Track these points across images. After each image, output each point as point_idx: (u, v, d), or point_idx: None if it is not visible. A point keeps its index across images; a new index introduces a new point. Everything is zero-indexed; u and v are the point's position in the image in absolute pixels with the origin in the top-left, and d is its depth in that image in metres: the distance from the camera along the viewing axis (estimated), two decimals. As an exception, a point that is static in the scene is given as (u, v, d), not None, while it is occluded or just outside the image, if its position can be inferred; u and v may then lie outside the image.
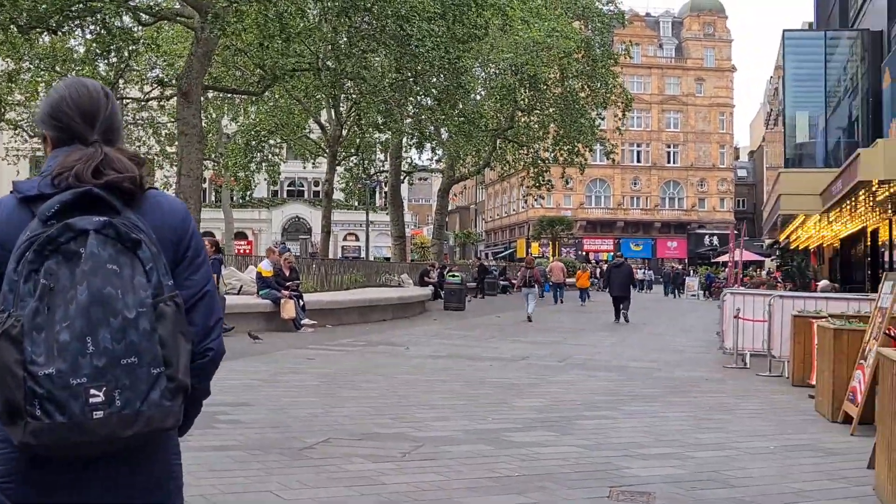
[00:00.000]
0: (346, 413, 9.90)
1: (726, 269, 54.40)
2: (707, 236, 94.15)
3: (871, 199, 29.34)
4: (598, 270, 65.11)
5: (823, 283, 21.48)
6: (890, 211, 31.75)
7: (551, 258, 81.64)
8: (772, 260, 70.14)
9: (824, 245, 54.11)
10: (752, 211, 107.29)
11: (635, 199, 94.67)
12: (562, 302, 40.62)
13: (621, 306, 28.65)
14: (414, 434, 8.78)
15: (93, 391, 2.10)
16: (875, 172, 25.68)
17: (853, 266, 46.63)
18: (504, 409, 10.57)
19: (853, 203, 32.02)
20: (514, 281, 54.86)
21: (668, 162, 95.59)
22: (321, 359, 15.11)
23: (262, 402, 10.34)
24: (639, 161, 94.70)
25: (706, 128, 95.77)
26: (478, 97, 41.79)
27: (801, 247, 59.05)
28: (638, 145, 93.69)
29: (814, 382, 13.40)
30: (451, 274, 33.59)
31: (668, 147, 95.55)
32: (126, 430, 2.14)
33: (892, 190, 26.83)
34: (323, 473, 7.00)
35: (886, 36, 34.52)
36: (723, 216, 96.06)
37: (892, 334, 9.78)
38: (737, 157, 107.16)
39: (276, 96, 40.58)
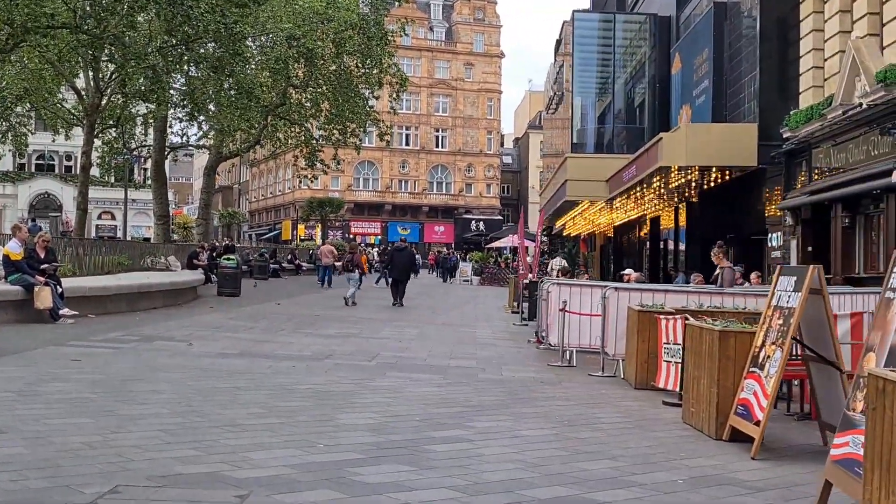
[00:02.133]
0: (134, 440, 7.57)
1: (516, 256, 53.65)
2: (474, 221, 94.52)
3: (664, 186, 28.81)
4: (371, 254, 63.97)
5: (636, 274, 20.33)
6: (677, 199, 31.46)
7: (317, 240, 79.68)
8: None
9: (597, 233, 54.48)
10: (517, 198, 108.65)
11: (404, 182, 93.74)
12: (330, 286, 39.19)
13: (399, 289, 29.22)
14: (233, 475, 6.59)
15: None
16: (676, 158, 25.02)
17: (625, 253, 46.90)
18: (331, 430, 8.50)
19: (641, 190, 31.53)
20: (285, 265, 52.68)
21: (437, 146, 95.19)
22: (88, 360, 12.50)
23: (16, 428, 7.85)
24: (408, 144, 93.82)
25: (474, 113, 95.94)
26: (252, 69, 39.02)
27: (572, 234, 59.45)
28: (407, 128, 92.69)
29: (660, 385, 12.06)
30: (225, 257, 30.91)
31: (437, 131, 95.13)
32: None
33: (690, 177, 26.25)
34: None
35: (675, 21, 34.30)
36: (489, 202, 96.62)
37: (804, 342, 8.34)
38: (502, 144, 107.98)
39: (26, 57, 36.57)
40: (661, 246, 36.00)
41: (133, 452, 7.13)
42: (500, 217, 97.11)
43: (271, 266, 47.21)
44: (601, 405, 10.98)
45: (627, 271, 22.57)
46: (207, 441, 7.71)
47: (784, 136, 23.99)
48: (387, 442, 8.06)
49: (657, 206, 33.31)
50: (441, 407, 10.16)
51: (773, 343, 8.52)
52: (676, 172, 25.58)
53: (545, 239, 65.42)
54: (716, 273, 17.81)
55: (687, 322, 10.28)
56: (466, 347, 17.15)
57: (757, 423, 8.36)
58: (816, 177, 22.09)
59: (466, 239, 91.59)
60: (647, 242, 38.82)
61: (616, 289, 14.12)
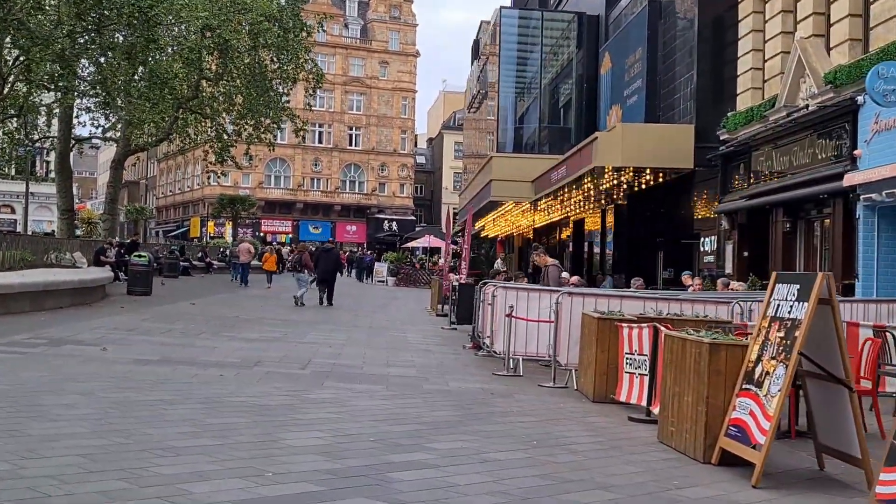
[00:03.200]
0: (49, 469, 6.41)
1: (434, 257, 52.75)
2: (387, 221, 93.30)
3: (594, 187, 28.13)
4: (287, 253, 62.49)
5: (575, 278, 19.49)
6: (604, 201, 30.84)
7: (227, 238, 77.72)
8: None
9: (515, 234, 53.84)
10: (430, 198, 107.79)
11: (316, 180, 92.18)
12: (246, 284, 38.83)
13: (326, 289, 28.84)
14: (173, 515, 5.50)
15: None
16: (611, 158, 24.31)
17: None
18: (277, 454, 7.42)
19: (569, 192, 30.83)
20: (195, 263, 51.00)
21: (351, 144, 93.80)
22: (-10, 366, 11.20)
23: None
24: (321, 142, 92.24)
25: (389, 112, 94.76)
26: (167, 57, 37.34)
27: (490, 235, 58.75)
28: (320, 126, 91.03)
29: (621, 399, 11.21)
30: (136, 254, 29.36)
31: (351, 129, 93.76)
32: None
33: (624, 178, 25.57)
34: None
35: (604, 20, 33.71)
36: (402, 202, 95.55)
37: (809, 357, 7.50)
38: (416, 144, 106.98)
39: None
40: (586, 249, 35.41)
41: (49, 485, 5.98)
42: (413, 217, 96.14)
43: (181, 264, 45.51)
44: (564, 421, 10.06)
45: (563, 275, 21.65)
46: (136, 469, 6.58)
47: (721, 138, 23.48)
48: (343, 469, 7.01)
49: (583, 209, 32.67)
50: (393, 424, 9.13)
51: (774, 358, 7.68)
52: (610, 173, 24.88)
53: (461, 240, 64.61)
54: (543, 272, 17.10)
55: (665, 332, 9.38)
56: (402, 354, 16.12)
57: (756, 447, 7.50)
58: (755, 180, 21.55)
59: (379, 239, 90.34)
60: (570, 245, 38.21)
61: (569, 294, 13.20)
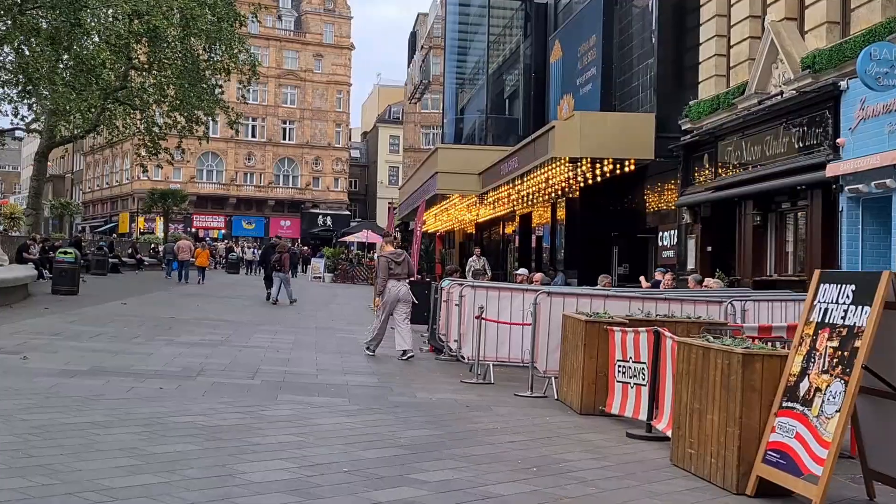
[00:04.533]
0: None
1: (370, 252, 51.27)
2: (321, 216, 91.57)
3: (547, 179, 26.98)
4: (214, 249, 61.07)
5: (539, 275, 18.26)
6: (555, 194, 29.68)
7: (158, 234, 75.46)
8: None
9: (456, 229, 52.58)
10: (365, 193, 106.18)
11: (249, 175, 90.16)
12: (187, 282, 38.35)
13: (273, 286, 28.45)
14: None
15: None
16: (569, 148, 23.18)
17: (486, 251, 45.06)
18: (238, 494, 6.10)
19: (519, 184, 29.63)
20: (125, 259, 49.03)
21: (284, 138, 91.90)
22: None
23: None
24: (254, 136, 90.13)
25: (323, 105, 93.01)
26: (93, 43, 35.40)
27: (429, 230, 57.39)
28: (254, 119, 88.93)
29: (612, 411, 10.06)
30: (62, 251, 27.59)
31: (285, 123, 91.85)
32: None
33: (581, 169, 24.44)
34: None
35: (553, 9, 32.60)
36: (337, 196, 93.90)
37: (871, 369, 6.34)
38: (350, 138, 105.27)
39: None
40: (534, 244, 34.29)
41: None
42: (349, 212, 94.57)
43: (110, 261, 43.56)
44: (557, 440, 8.84)
45: (521, 271, 20.49)
46: (63, 522, 5.23)
47: (683, 127, 22.48)
48: (320, 512, 5.72)
49: (532, 202, 31.53)
50: (367, 448, 7.84)
51: (826, 372, 6.52)
52: (567, 164, 23.74)
53: (398, 236, 63.27)
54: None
55: (678, 340, 8.19)
56: (357, 358, 14.80)
57: (808, 478, 6.34)
58: (722, 172, 20.55)
59: (314, 234, 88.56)
60: (516, 239, 37.06)
61: (548, 294, 11.96)
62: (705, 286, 16.83)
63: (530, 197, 30.33)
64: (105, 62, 32.86)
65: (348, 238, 72.72)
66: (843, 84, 15.61)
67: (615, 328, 10.20)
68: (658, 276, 19.72)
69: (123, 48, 36.90)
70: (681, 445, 7.85)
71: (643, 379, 9.49)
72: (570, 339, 10.97)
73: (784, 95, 17.72)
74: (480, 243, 48.90)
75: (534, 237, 34.38)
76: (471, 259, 28.15)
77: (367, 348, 15.33)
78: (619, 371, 10.08)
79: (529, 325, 11.79)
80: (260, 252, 35.83)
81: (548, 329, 11.66)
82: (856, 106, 15.25)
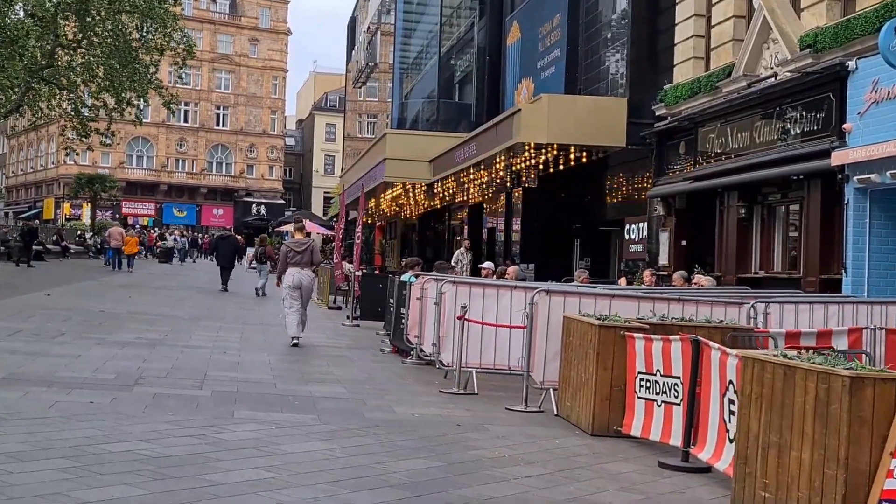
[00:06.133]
0: None
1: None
2: (255, 205, 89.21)
3: (506, 168, 25.42)
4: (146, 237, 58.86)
5: (514, 268, 16.64)
6: (510, 183, 28.13)
7: (84, 220, 72.63)
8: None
9: (399, 220, 50.83)
10: (300, 181, 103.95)
11: (181, 161, 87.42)
12: (119, 268, 37.48)
13: (226, 275, 29.97)
14: None
15: None
16: (535, 134, 21.62)
17: (431, 242, 43.48)
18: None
19: (470, 172, 28.03)
20: (50, 246, 46.62)
21: (218, 124, 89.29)
22: None
23: None
24: (186, 121, 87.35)
25: (258, 91, 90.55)
26: (16, 14, 33.05)
27: (369, 220, 55.60)
28: (186, 104, 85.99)
29: (632, 433, 8.55)
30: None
31: (218, 109, 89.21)
32: None
33: (546, 156, 22.92)
34: None
35: (510, -12, 31.02)
36: (272, 185, 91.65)
37: None
38: (285, 126, 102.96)
39: None
40: (485, 235, 32.72)
41: None
42: (283, 201, 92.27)
43: (34, 248, 41.17)
44: (580, 472, 7.28)
45: (487, 264, 18.87)
46: None
47: (657, 113, 21.05)
48: None
49: (486, 191, 29.96)
50: (356, 489, 6.20)
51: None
52: (531, 151, 22.19)
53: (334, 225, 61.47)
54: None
55: (747, 354, 6.64)
56: (315, 362, 13.09)
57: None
58: (702, 160, 19.13)
59: (247, 223, 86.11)
60: (464, 230, 35.46)
61: (547, 292, 10.34)
62: (695, 284, 15.41)
63: (485, 186, 28.76)
64: (29, 33, 30.58)
65: (286, 227, 70.61)
66: (850, 64, 14.22)
67: (636, 335, 8.66)
68: (648, 276, 18.30)
69: (50, 23, 34.66)
70: (748, 486, 6.33)
71: (676, 396, 7.97)
72: (577, 346, 9.41)
73: (778, 77, 16.33)
74: (393, 235, 47.20)
75: (485, 228, 32.81)
76: (458, 252, 26.09)
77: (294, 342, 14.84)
78: (640, 385, 8.55)
79: (524, 327, 10.18)
80: (212, 243, 35.27)
81: (546, 333, 10.08)
82: (866, 88, 13.88)
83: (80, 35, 38.27)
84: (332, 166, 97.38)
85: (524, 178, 26.30)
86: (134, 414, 8.21)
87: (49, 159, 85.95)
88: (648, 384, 8.41)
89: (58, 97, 41.07)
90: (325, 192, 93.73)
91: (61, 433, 7.21)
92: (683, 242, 20.22)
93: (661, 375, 8.21)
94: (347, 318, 20.86)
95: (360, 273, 21.58)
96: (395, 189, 35.36)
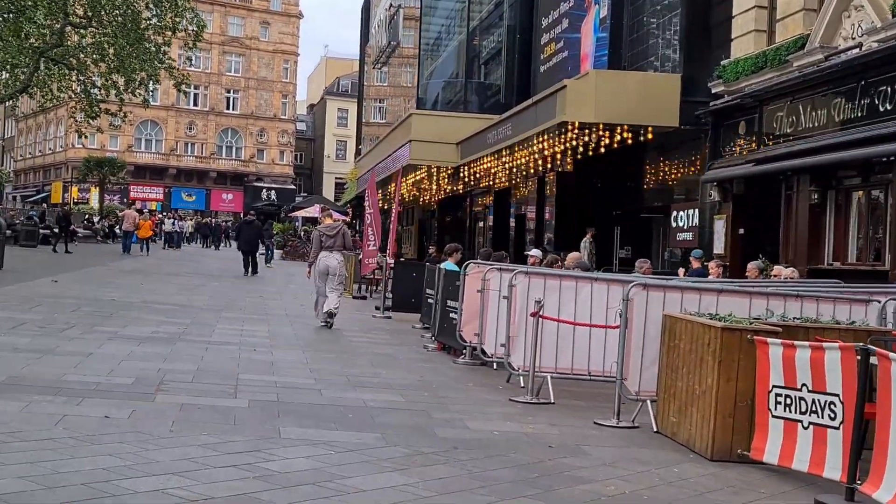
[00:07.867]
0: None
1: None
2: (265, 190, 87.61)
3: (545, 149, 23.80)
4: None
5: (576, 254, 15.02)
6: (543, 168, 26.54)
7: (92, 204, 71.15)
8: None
9: (416, 206, 49.20)
10: (311, 166, 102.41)
11: (190, 145, 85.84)
12: (129, 252, 37.05)
13: (248, 260, 29.65)
14: None
15: None
16: (582, 112, 20.02)
17: (449, 230, 41.80)
18: None
19: (503, 156, 26.42)
20: (55, 230, 45.15)
21: (228, 108, 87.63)
22: None
23: None
24: (196, 105, 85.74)
25: (269, 75, 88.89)
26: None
27: (385, 206, 54.04)
28: (196, 87, 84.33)
29: (765, 460, 7.02)
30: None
31: (229, 92, 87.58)
32: None
33: (591, 137, 21.30)
34: None
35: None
36: (282, 170, 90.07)
37: None
38: (296, 110, 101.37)
39: None
40: (513, 223, 31.12)
41: None
42: (294, 186, 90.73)
43: (41, 231, 39.78)
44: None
45: (535, 252, 17.23)
46: None
47: (713, 90, 19.45)
48: None
49: (519, 176, 28.36)
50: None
51: None
52: (575, 132, 20.58)
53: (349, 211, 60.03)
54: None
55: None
56: (358, 361, 11.55)
57: None
58: (767, 142, 17.54)
59: (257, 208, 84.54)
60: (490, 218, 33.88)
61: (644, 286, 8.77)
62: (775, 276, 13.85)
63: (517, 170, 27.15)
64: (38, 4, 29.05)
65: (298, 213, 69.12)
66: (958, 31, 12.65)
67: (771, 340, 7.11)
68: (695, 262, 16.76)
69: (60, 3, 33.21)
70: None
71: (832, 418, 6.42)
72: (687, 352, 7.85)
73: (864, 49, 14.73)
74: (410, 222, 45.48)
75: (512, 215, 31.22)
76: (585, 240, 23.16)
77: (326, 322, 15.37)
78: (776, 402, 6.99)
79: (616, 327, 8.63)
80: (235, 229, 35.20)
81: (642, 335, 8.53)
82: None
83: (91, 13, 36.81)
84: (344, 152, 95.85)
85: (559, 162, 24.72)
86: (159, 433, 6.68)
87: (57, 143, 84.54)
88: (789, 401, 6.86)
89: (67, 78, 39.63)
90: (336, 178, 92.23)
91: (70, 462, 5.69)
92: (741, 231, 18.67)
93: (810, 391, 6.66)
94: (377, 308, 19.34)
95: (391, 261, 20.03)
96: (418, 172, 33.74)
